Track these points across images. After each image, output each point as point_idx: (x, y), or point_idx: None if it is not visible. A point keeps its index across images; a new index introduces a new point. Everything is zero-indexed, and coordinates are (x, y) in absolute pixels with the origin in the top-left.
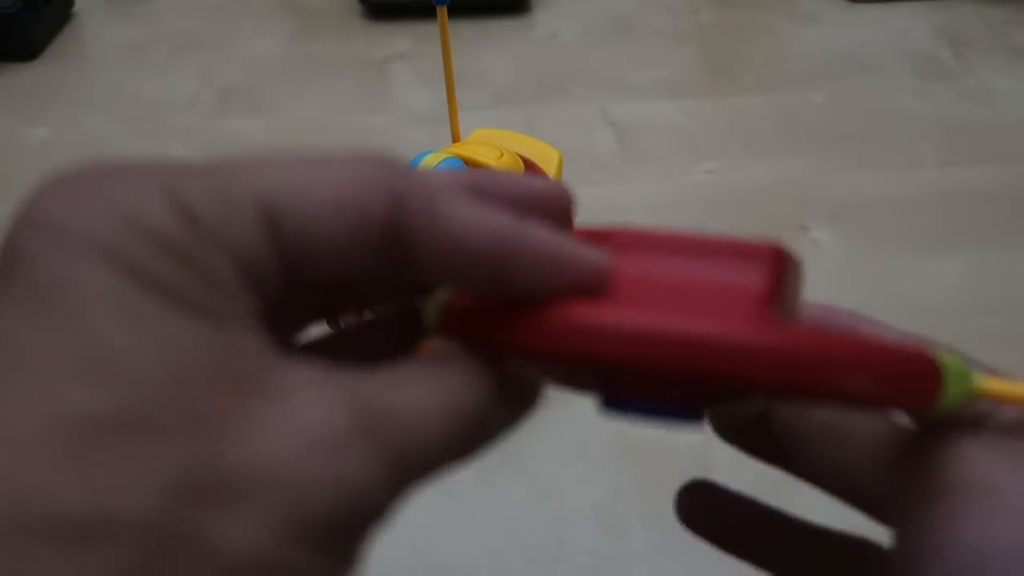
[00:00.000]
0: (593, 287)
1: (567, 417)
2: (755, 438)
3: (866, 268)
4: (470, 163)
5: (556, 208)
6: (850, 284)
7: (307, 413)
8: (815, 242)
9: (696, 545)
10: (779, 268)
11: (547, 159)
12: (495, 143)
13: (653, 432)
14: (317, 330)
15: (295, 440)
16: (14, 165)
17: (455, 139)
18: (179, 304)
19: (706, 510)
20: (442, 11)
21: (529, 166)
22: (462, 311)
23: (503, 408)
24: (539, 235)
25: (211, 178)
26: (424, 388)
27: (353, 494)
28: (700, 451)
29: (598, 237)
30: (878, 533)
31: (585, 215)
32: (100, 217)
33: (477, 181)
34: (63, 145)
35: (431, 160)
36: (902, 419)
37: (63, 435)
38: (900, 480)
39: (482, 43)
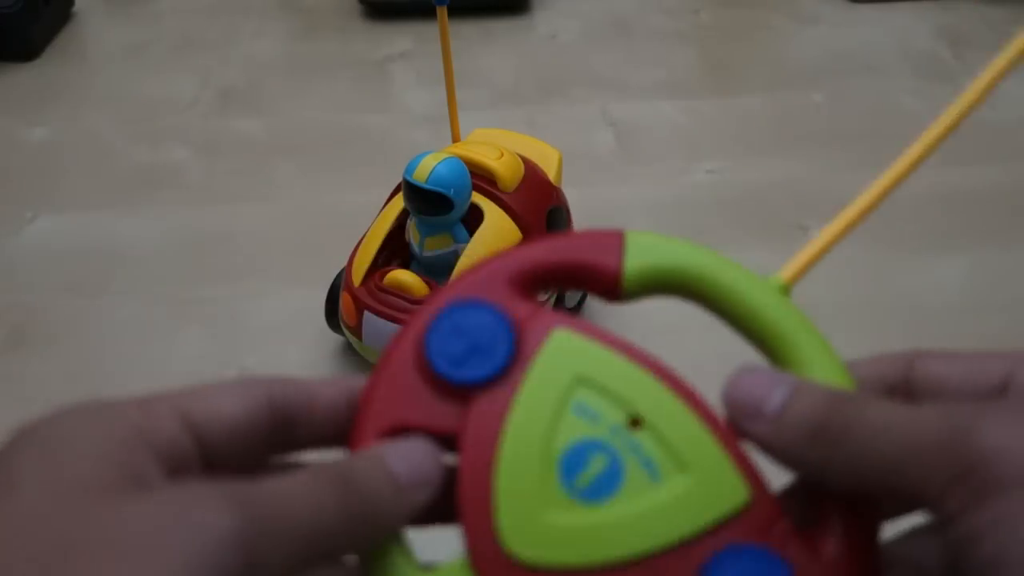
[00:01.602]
0: None
1: None
2: None
3: (866, 268)
4: (470, 163)
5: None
6: (850, 284)
7: (177, 492)
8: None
9: None
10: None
11: (547, 159)
12: (495, 143)
13: None
14: None
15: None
16: (14, 165)
17: (455, 139)
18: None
19: None
20: (442, 11)
21: (529, 166)
22: None
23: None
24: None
25: (144, 406)
26: (286, 478)
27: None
28: None
29: None
30: None
31: (585, 215)
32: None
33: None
34: (63, 145)
35: (431, 160)
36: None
37: None
38: (939, 478)
39: (482, 43)
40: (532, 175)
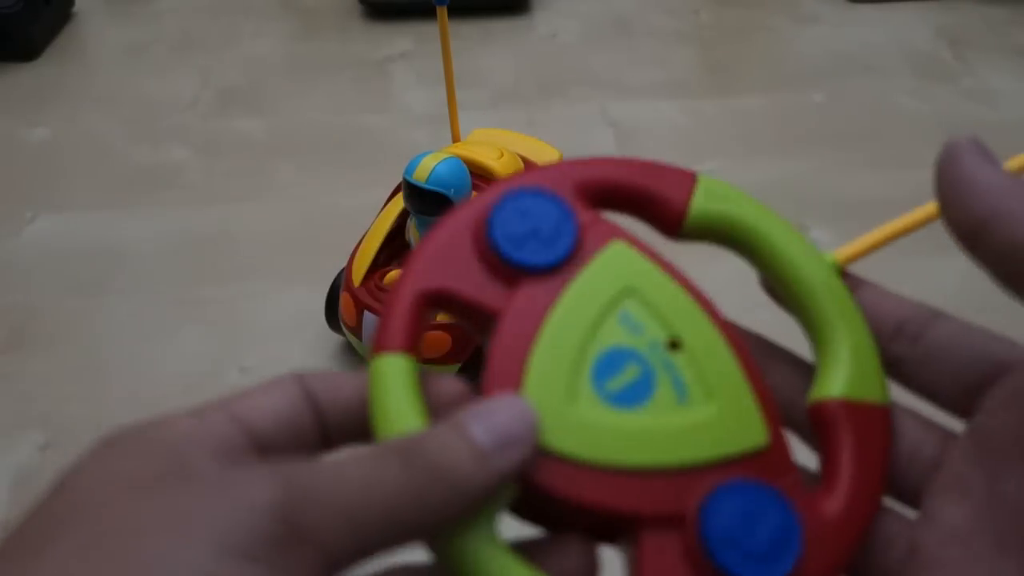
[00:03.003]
0: None
1: None
2: None
3: (866, 268)
4: (470, 163)
5: None
6: None
7: (220, 473)
8: (815, 242)
9: None
10: None
11: (547, 159)
12: (495, 143)
13: None
14: None
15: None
16: (14, 165)
17: (455, 139)
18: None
19: None
20: (442, 11)
21: (529, 166)
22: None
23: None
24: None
25: (195, 413)
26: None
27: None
28: None
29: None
30: None
31: None
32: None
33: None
34: (63, 145)
35: (431, 160)
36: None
37: None
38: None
39: (482, 43)
40: None
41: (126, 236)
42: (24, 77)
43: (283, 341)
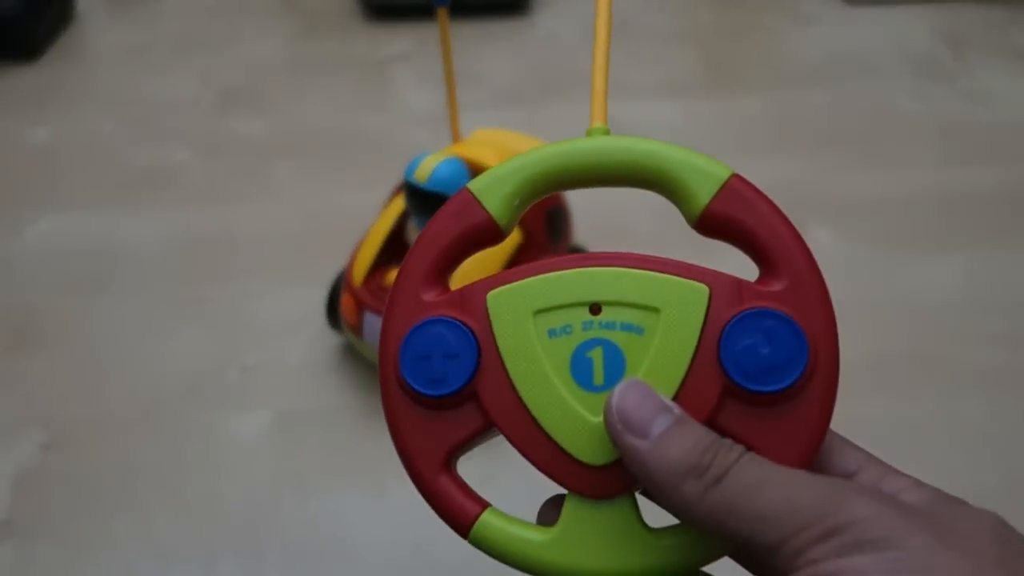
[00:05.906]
0: None
1: None
2: None
3: (866, 268)
4: (471, 163)
5: None
6: (850, 284)
7: None
8: (815, 242)
9: None
10: None
11: None
12: (496, 143)
13: None
14: None
15: None
16: (16, 165)
17: (455, 139)
18: None
19: None
20: (442, 12)
21: None
22: None
23: None
24: None
25: None
26: None
27: None
28: None
29: None
30: None
31: (585, 215)
32: None
33: None
34: (63, 145)
35: (431, 161)
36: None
37: None
38: (809, 534)
39: (482, 43)
40: None
41: (126, 236)
42: (25, 77)
43: (283, 341)
